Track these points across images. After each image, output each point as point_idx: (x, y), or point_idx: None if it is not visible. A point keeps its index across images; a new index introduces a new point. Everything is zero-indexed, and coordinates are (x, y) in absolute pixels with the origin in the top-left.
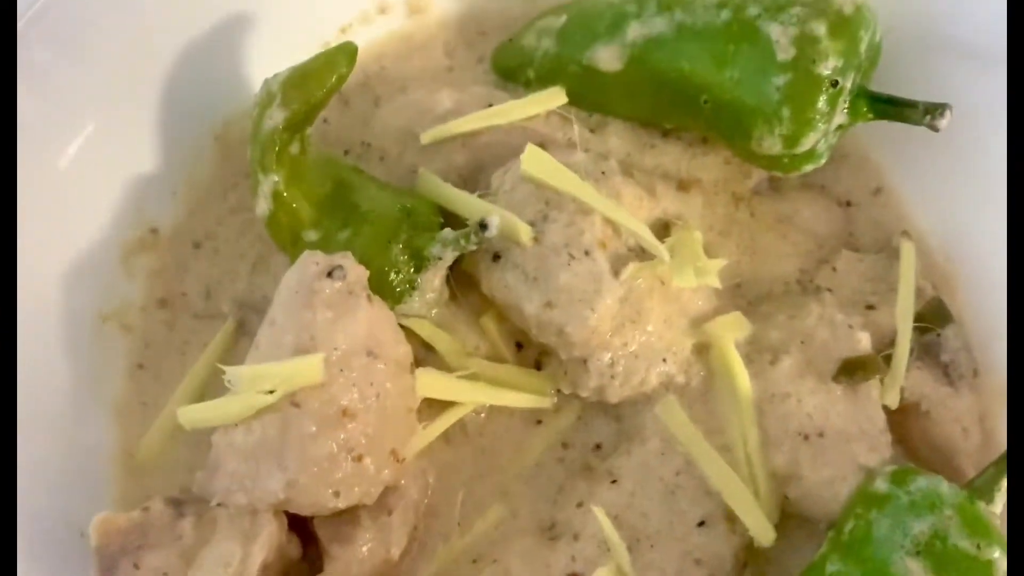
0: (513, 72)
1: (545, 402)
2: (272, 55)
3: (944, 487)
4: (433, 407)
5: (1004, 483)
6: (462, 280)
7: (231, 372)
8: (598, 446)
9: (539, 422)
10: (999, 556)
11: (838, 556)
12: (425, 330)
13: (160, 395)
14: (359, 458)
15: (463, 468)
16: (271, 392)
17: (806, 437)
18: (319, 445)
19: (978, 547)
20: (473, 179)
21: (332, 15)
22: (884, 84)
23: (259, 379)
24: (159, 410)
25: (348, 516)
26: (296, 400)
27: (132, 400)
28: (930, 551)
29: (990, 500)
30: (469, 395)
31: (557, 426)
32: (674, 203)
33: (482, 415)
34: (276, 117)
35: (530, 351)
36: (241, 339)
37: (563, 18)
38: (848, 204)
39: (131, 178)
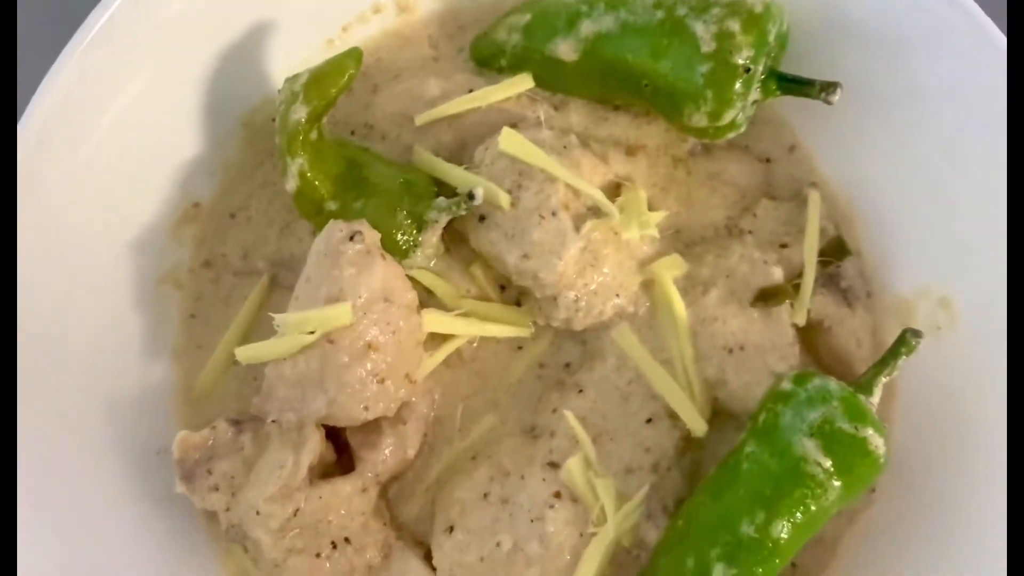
0: (488, 61)
1: (525, 332)
2: (286, 52)
3: (832, 385)
4: (435, 339)
5: (881, 381)
6: (454, 237)
7: (279, 319)
8: (567, 365)
9: (520, 348)
10: (872, 434)
11: (753, 440)
12: (426, 279)
13: (211, 339)
14: (382, 380)
15: (461, 387)
16: (311, 333)
17: (730, 351)
18: (351, 372)
19: (856, 428)
20: (459, 153)
21: (335, 16)
22: (793, 64)
23: (301, 323)
24: (211, 352)
25: (373, 427)
26: (331, 338)
27: (188, 344)
28: (821, 432)
29: (869, 394)
30: (464, 329)
31: (535, 351)
32: (624, 166)
33: (474, 344)
34: (299, 112)
35: (511, 292)
36: (275, 291)
37: (527, 16)
38: (768, 161)
39: (176, 162)
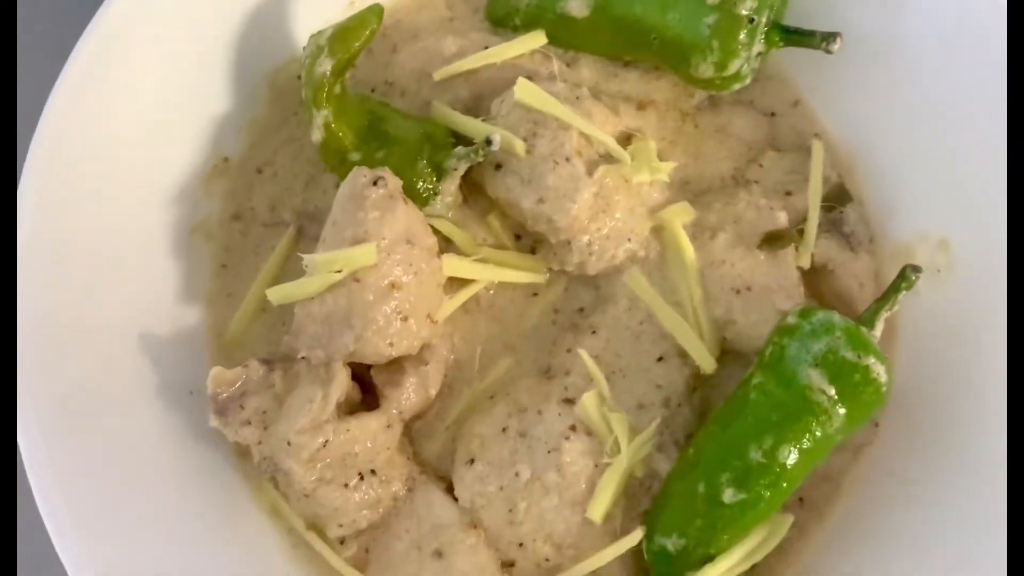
0: (503, 20)
1: (540, 278)
2: (308, 14)
3: (836, 317)
4: (454, 286)
5: (883, 315)
6: (472, 188)
7: (308, 259)
8: (581, 309)
9: (535, 294)
10: (874, 362)
11: (760, 372)
12: (445, 227)
13: (241, 288)
14: (405, 319)
15: (479, 331)
16: (339, 272)
17: (738, 292)
18: (376, 309)
19: (858, 357)
20: (475, 108)
21: None
22: (795, 19)
23: (329, 263)
24: (241, 299)
25: (396, 367)
26: (357, 277)
27: (219, 292)
28: (825, 362)
29: (871, 327)
30: (481, 274)
31: (549, 296)
32: (634, 120)
33: (491, 291)
34: (324, 65)
35: (526, 240)
36: (301, 241)
37: None
38: (772, 115)
39: (206, 118)
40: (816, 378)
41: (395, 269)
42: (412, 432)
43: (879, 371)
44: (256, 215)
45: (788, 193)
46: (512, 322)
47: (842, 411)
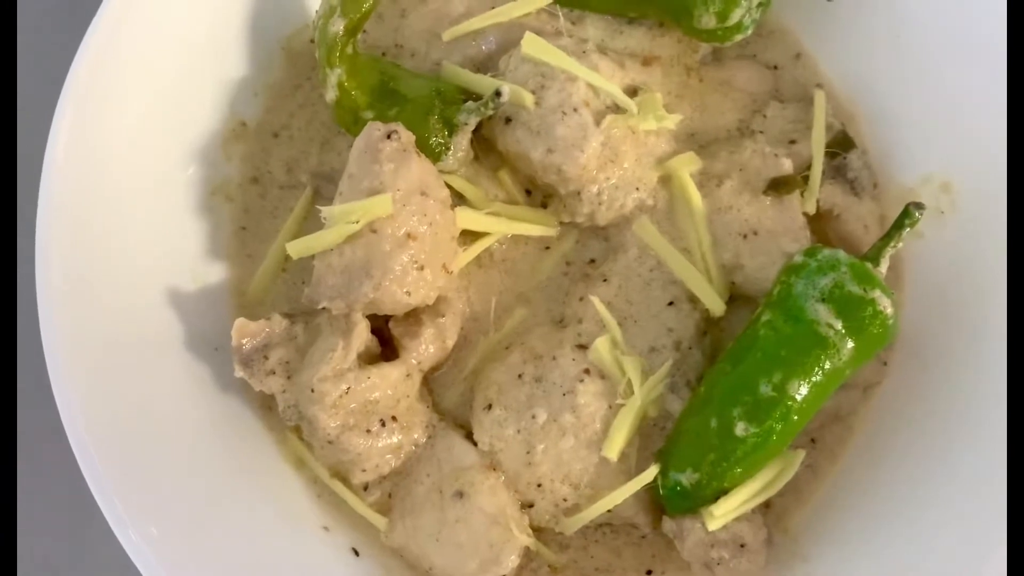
0: None
1: (551, 231)
2: None
3: (841, 254)
4: (468, 240)
5: (888, 252)
6: (483, 145)
7: (326, 211)
8: (592, 260)
9: (547, 248)
10: (880, 295)
11: (769, 311)
12: (457, 183)
13: (260, 248)
14: (421, 268)
15: (493, 285)
16: (356, 223)
17: (745, 236)
18: (394, 259)
19: (864, 290)
20: (484, 66)
21: None
22: None
23: (346, 214)
24: (261, 260)
25: (414, 319)
26: (374, 228)
27: (240, 253)
28: (832, 297)
29: (876, 264)
30: (495, 226)
31: (561, 249)
32: (640, 75)
33: (504, 246)
34: (337, 24)
35: (536, 195)
36: (317, 201)
37: None
38: (775, 68)
39: (223, 83)
40: (824, 313)
41: (411, 219)
42: (431, 383)
43: (885, 304)
44: (273, 178)
45: (792, 142)
46: (525, 275)
47: (850, 344)
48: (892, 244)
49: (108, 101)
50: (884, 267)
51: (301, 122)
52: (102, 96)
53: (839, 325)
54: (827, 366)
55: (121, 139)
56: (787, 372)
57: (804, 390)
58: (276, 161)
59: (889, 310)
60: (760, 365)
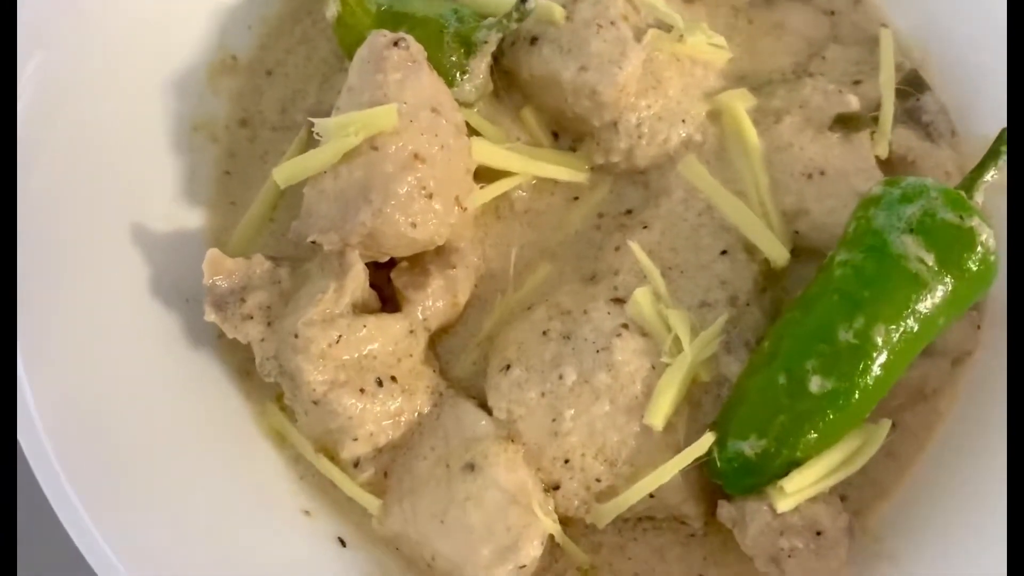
0: None
1: (581, 177)
2: None
3: (929, 181)
4: (484, 182)
5: (983, 182)
6: (504, 81)
7: (319, 123)
8: (629, 211)
9: (576, 198)
10: (979, 223)
11: (845, 249)
12: (474, 120)
13: (245, 195)
14: (429, 196)
15: (513, 238)
16: (355, 135)
17: (810, 176)
18: (398, 182)
19: (961, 218)
20: None
21: None
22: None
23: (343, 126)
24: (246, 208)
25: (420, 268)
26: (375, 144)
27: (222, 199)
28: (921, 226)
29: (971, 195)
30: (517, 164)
31: (593, 199)
32: (682, 15)
33: (526, 194)
34: None
35: (564, 139)
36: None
37: None
38: (832, 13)
39: (213, 9)
40: (912, 245)
41: (419, 138)
42: (439, 350)
43: (986, 234)
44: (265, 119)
45: (857, 82)
46: (550, 228)
47: (947, 282)
48: (987, 173)
49: (84, 19)
50: (980, 198)
51: (299, 58)
52: (77, 13)
53: (931, 259)
54: (919, 309)
55: (97, 62)
56: (871, 316)
57: (893, 337)
58: (269, 101)
59: (991, 243)
60: (838, 309)
